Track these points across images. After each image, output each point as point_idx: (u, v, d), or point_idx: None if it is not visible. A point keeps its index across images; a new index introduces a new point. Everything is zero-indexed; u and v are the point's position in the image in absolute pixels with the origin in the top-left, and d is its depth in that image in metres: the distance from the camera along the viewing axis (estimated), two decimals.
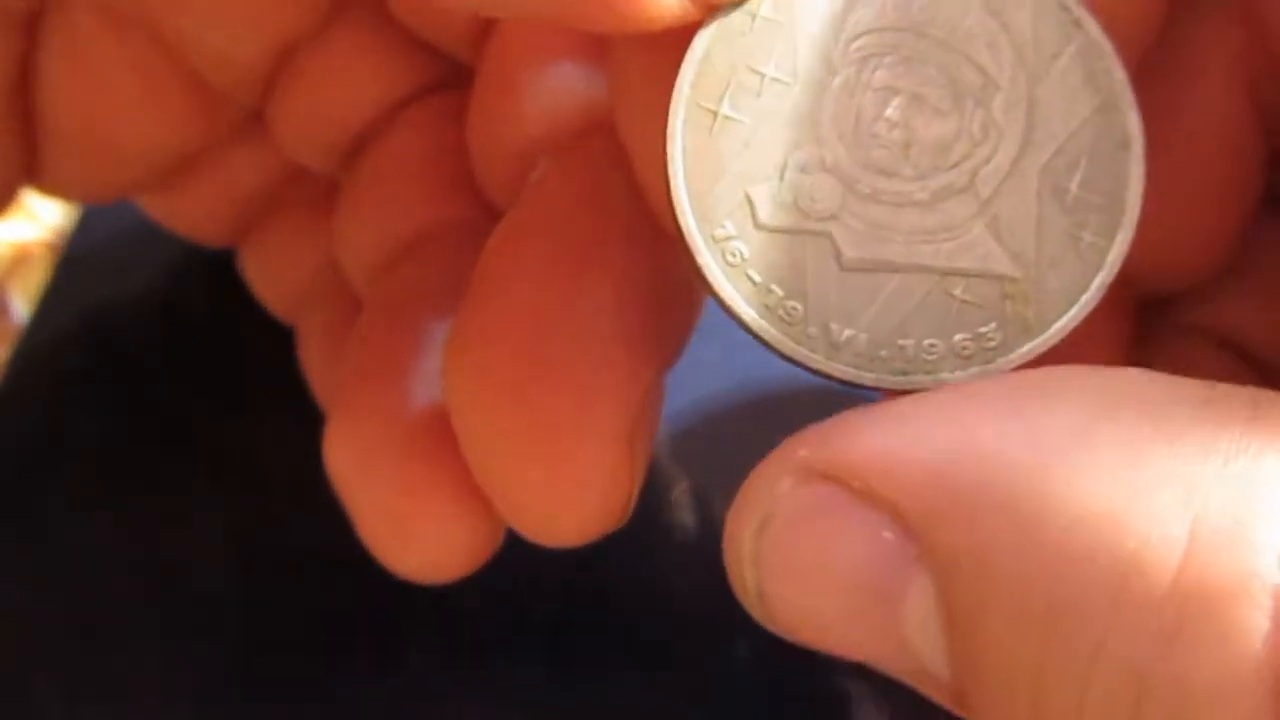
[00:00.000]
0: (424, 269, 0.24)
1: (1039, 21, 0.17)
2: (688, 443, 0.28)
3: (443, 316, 0.23)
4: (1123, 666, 0.13)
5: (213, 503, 0.28)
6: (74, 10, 0.24)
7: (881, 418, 0.16)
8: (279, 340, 0.28)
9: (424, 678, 0.26)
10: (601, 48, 0.21)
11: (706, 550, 0.26)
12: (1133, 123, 0.17)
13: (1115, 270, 0.17)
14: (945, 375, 0.17)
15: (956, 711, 0.16)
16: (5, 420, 0.30)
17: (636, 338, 0.20)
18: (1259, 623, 0.13)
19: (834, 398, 0.17)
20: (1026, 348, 0.17)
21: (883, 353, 0.17)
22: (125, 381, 0.30)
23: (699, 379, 0.24)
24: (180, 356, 0.30)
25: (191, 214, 0.28)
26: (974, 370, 0.17)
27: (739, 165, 0.16)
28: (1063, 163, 0.17)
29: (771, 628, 0.17)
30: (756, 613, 0.17)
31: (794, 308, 0.17)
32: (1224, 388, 0.15)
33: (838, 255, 0.17)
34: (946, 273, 0.17)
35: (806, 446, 0.16)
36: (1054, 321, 0.17)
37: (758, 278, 0.17)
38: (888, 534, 0.15)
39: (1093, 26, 0.17)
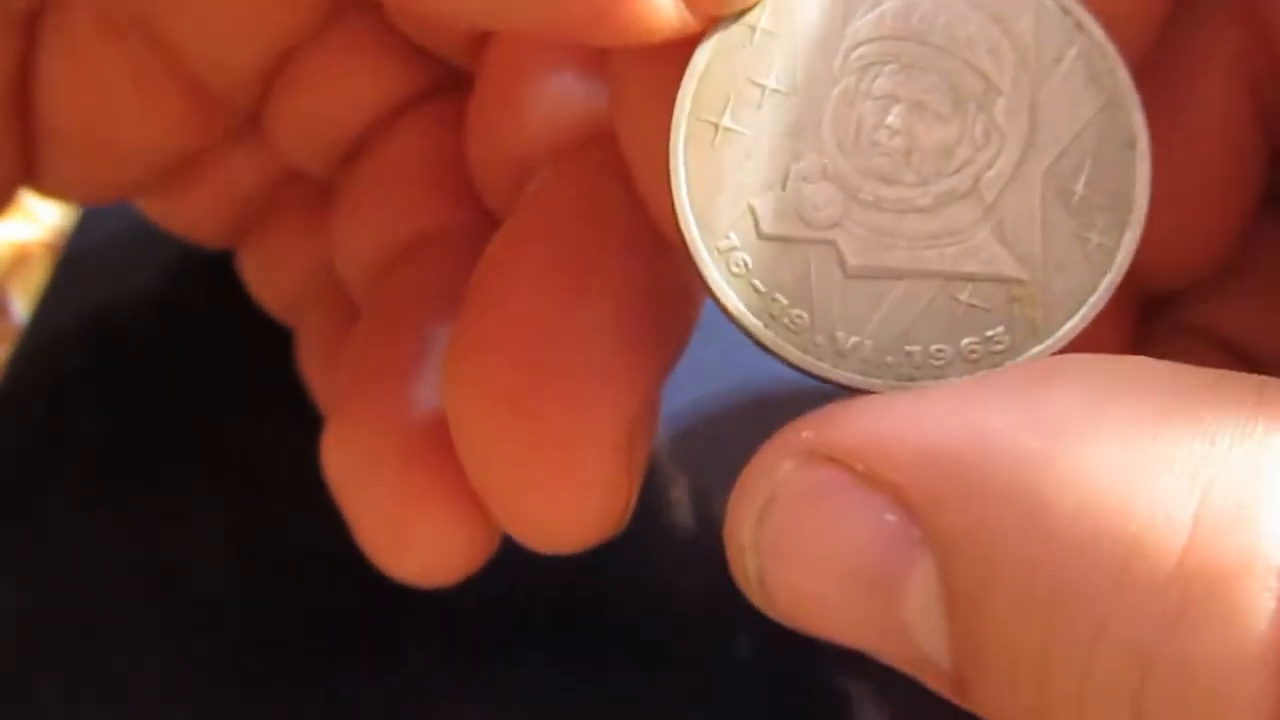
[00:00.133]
0: (422, 273, 0.24)
1: (1041, 26, 0.17)
2: (688, 443, 0.28)
3: (441, 322, 0.23)
4: (1126, 649, 0.13)
5: (213, 503, 0.28)
6: (73, 11, 0.24)
7: (885, 403, 0.16)
8: (279, 340, 0.28)
9: (424, 678, 0.26)
10: (601, 57, 0.21)
11: (706, 550, 0.26)
12: (1138, 121, 0.17)
13: (1123, 270, 0.17)
14: (952, 380, 0.17)
15: (956, 700, 0.16)
16: (5, 420, 0.30)
17: (635, 346, 0.20)
18: (1264, 604, 0.13)
19: (833, 396, 0.17)
20: (1035, 350, 0.17)
21: (889, 359, 0.17)
22: (125, 381, 0.30)
23: (699, 379, 0.24)
24: (180, 356, 0.30)
25: (189, 215, 0.28)
26: (981, 374, 0.17)
27: (741, 177, 0.17)
28: (1067, 164, 0.17)
29: (772, 614, 0.17)
30: (757, 599, 0.17)
31: (799, 316, 0.17)
32: (1228, 374, 0.15)
33: (842, 263, 0.17)
34: (951, 277, 0.17)
35: (809, 429, 0.16)
36: (1062, 323, 0.17)
37: (762, 287, 0.17)
38: (890, 517, 0.15)
39: (1095, 28, 0.17)
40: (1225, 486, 0.13)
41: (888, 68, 0.17)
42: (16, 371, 0.30)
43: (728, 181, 0.17)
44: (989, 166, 0.17)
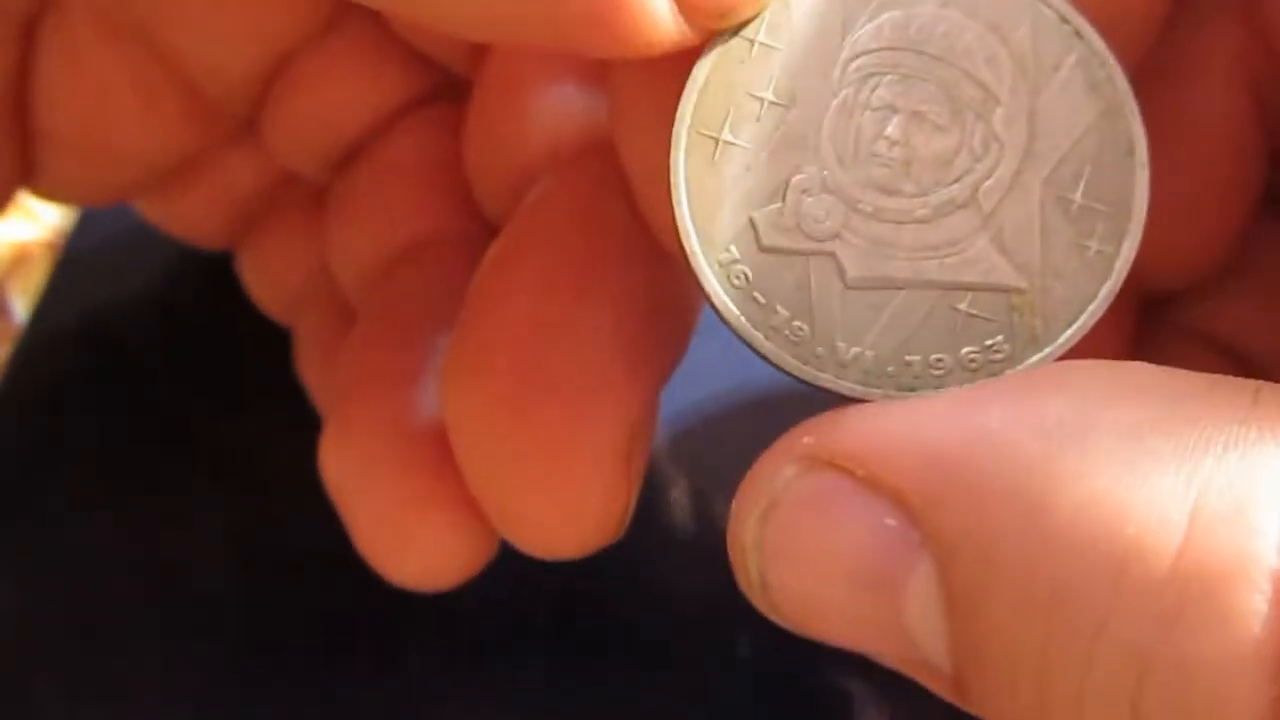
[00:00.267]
0: (420, 277, 0.24)
1: (1038, 34, 0.17)
2: (687, 443, 0.28)
3: (439, 326, 0.23)
4: (1124, 649, 0.13)
5: (213, 503, 0.28)
6: (72, 13, 0.24)
7: (885, 409, 0.16)
8: (278, 341, 0.28)
9: (424, 679, 0.26)
10: (600, 69, 0.21)
11: (706, 550, 0.26)
12: (1137, 128, 0.17)
13: (1123, 278, 0.17)
14: (953, 389, 0.17)
15: (956, 702, 0.16)
16: (5, 420, 0.30)
17: (634, 353, 0.20)
18: (1258, 606, 0.13)
19: (833, 400, 0.17)
20: (1034, 358, 0.17)
21: (890, 369, 0.17)
22: (125, 381, 0.30)
23: (699, 379, 0.24)
24: (179, 356, 0.30)
25: (187, 216, 0.28)
26: (981, 382, 0.17)
27: (741, 190, 0.17)
28: (1066, 172, 0.17)
29: (774, 617, 0.17)
30: (759, 602, 0.17)
31: (800, 328, 0.17)
32: (1224, 379, 0.15)
33: (842, 274, 0.17)
34: (951, 287, 0.17)
35: (811, 435, 0.16)
36: (1062, 331, 0.17)
37: (763, 299, 0.17)
38: (890, 521, 0.15)
39: (1093, 36, 0.17)
40: (1221, 489, 0.13)
41: (886, 79, 0.17)
42: (16, 371, 0.30)
43: (728, 195, 0.17)
44: (988, 176, 0.17)
